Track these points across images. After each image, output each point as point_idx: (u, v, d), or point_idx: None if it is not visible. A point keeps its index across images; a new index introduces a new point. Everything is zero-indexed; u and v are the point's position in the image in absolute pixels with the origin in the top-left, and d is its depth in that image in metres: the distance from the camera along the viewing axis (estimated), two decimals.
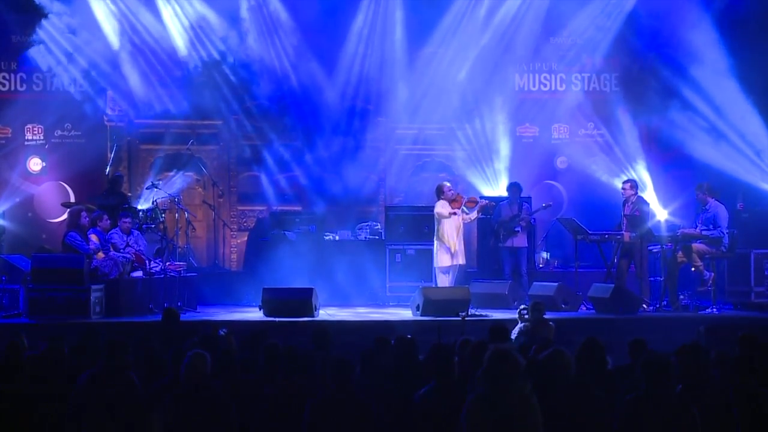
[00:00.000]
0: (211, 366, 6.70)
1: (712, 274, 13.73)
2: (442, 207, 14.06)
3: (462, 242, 14.14)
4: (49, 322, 11.88)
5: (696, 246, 13.71)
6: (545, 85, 18.50)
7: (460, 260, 14.06)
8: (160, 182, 16.04)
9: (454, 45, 17.70)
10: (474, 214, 14.36)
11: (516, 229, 14.87)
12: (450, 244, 13.91)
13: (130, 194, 16.73)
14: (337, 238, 15.95)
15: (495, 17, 17.68)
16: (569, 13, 17.81)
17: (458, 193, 14.44)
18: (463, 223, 14.22)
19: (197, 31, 17.22)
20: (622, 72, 18.28)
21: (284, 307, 12.83)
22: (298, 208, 17.27)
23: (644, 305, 13.54)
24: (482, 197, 15.38)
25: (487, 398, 5.53)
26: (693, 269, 13.92)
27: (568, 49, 18.24)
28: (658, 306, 13.71)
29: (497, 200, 15.39)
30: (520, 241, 14.96)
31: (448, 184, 14.45)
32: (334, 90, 17.57)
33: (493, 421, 5.48)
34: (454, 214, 13.99)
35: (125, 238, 13.85)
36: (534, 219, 15.79)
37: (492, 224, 15.22)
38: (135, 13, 17.07)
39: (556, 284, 13.89)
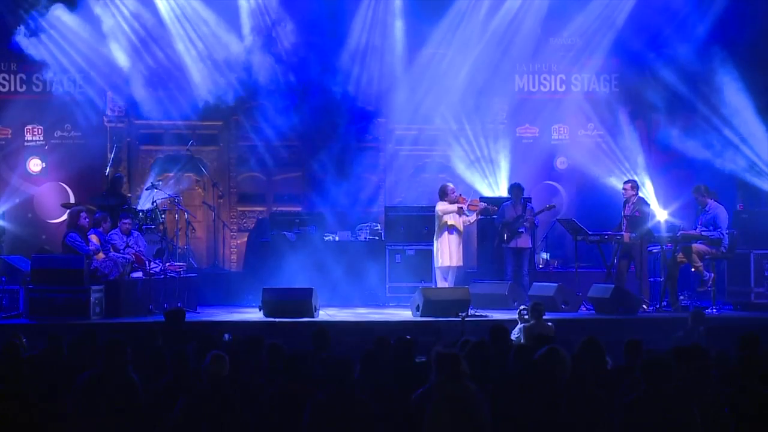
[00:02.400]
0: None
1: (712, 274, 13.72)
2: (445, 206, 14.07)
3: (461, 243, 14.15)
4: (48, 323, 11.86)
5: (696, 246, 13.69)
6: (545, 86, 18.47)
7: (459, 261, 14.07)
8: (160, 183, 16.03)
9: (454, 45, 17.69)
10: (474, 217, 14.40)
11: (520, 230, 14.86)
12: (450, 245, 13.91)
13: (129, 195, 16.74)
14: (336, 238, 15.93)
15: (495, 17, 17.66)
16: (569, 13, 17.78)
17: (461, 195, 14.44)
18: (463, 225, 14.23)
19: (197, 31, 17.21)
20: (622, 72, 18.24)
21: (284, 307, 12.82)
22: (297, 209, 17.25)
23: (644, 306, 13.53)
24: (482, 198, 15.38)
25: (441, 398, 5.96)
26: (693, 270, 13.92)
27: (568, 49, 18.20)
28: (658, 306, 13.71)
29: (498, 201, 15.38)
30: (524, 241, 14.94)
31: (452, 186, 14.45)
32: (334, 90, 17.55)
33: (448, 416, 5.92)
34: (461, 208, 14.01)
35: (125, 239, 13.84)
36: (536, 220, 15.79)
37: (496, 225, 15.21)
38: (135, 14, 17.06)
39: (556, 285, 13.88)
